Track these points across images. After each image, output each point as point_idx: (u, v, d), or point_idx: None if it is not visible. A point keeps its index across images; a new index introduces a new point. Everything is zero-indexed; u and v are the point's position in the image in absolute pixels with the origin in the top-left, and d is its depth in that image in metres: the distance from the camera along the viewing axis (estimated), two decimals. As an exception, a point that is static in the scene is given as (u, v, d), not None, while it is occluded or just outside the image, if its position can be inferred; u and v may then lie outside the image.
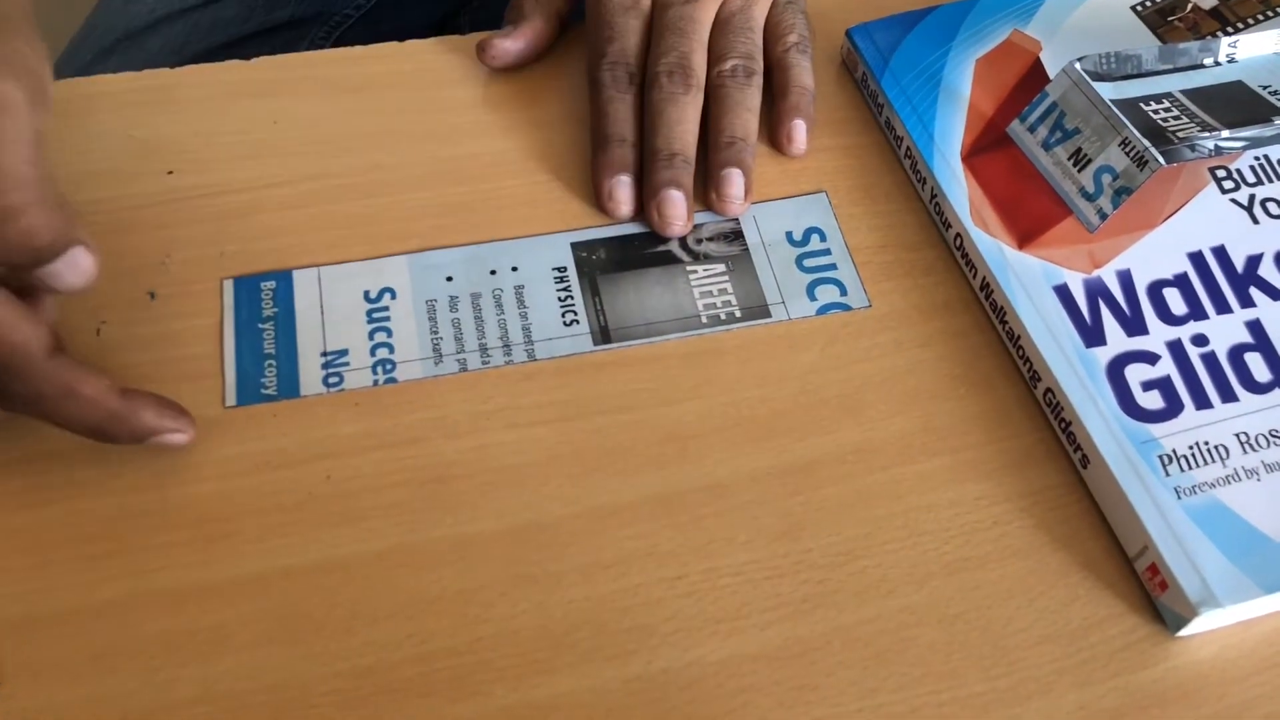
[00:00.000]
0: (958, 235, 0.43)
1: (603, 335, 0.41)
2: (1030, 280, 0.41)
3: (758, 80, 0.45)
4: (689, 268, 0.43)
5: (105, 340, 0.39)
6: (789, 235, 0.44)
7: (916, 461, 0.39)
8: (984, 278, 0.41)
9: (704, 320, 0.41)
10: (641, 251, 0.43)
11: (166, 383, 0.38)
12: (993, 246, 0.41)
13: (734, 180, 0.43)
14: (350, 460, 0.37)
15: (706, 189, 0.44)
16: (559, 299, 0.41)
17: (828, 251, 0.43)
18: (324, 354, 0.39)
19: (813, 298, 0.42)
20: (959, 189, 0.43)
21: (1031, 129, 0.43)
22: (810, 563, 0.36)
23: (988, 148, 0.44)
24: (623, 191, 0.43)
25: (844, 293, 0.42)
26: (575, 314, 0.41)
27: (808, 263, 0.43)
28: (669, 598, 0.35)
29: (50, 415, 0.35)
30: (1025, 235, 0.42)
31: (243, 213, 0.43)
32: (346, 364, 0.39)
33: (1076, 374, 0.38)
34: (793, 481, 0.38)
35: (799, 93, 0.46)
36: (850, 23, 0.48)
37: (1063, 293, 0.40)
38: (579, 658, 0.34)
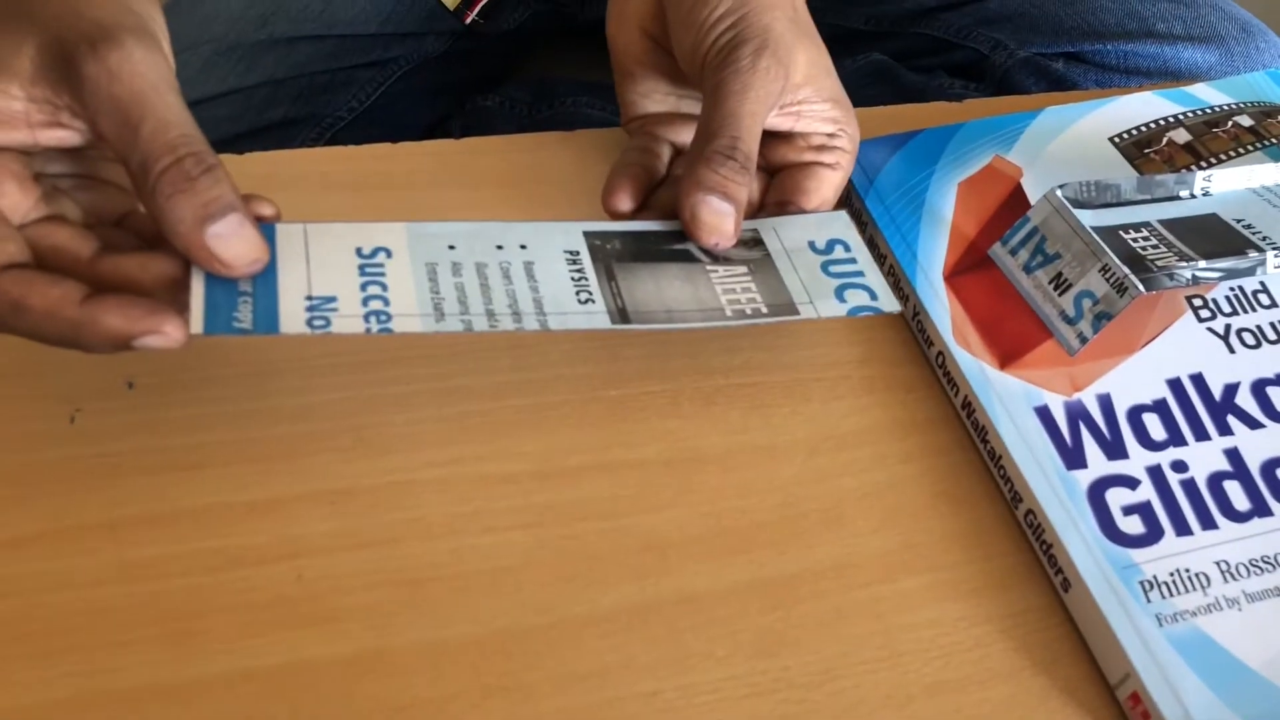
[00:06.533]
0: (939, 353, 0.43)
1: (621, 315, 0.38)
2: (1011, 401, 0.41)
3: None
4: (709, 267, 0.40)
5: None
6: (811, 244, 0.42)
7: (897, 579, 0.38)
8: (965, 396, 0.42)
9: (729, 314, 0.39)
10: (659, 247, 0.40)
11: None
12: (974, 366, 0.42)
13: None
14: (323, 559, 0.36)
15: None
16: (572, 278, 0.38)
17: (853, 260, 0.41)
18: (309, 298, 0.35)
19: (842, 299, 0.40)
20: (941, 308, 0.43)
21: (1013, 252, 0.44)
22: (789, 681, 0.36)
23: (970, 269, 0.45)
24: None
25: (874, 297, 0.40)
26: (590, 294, 0.38)
27: (834, 268, 0.41)
28: (645, 713, 0.35)
29: (10, 330, 0.33)
30: (1007, 356, 0.42)
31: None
32: (335, 309, 0.35)
33: (1058, 496, 0.38)
34: (772, 596, 0.37)
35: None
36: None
37: (1044, 414, 0.40)
38: (549, 773, 0.33)
